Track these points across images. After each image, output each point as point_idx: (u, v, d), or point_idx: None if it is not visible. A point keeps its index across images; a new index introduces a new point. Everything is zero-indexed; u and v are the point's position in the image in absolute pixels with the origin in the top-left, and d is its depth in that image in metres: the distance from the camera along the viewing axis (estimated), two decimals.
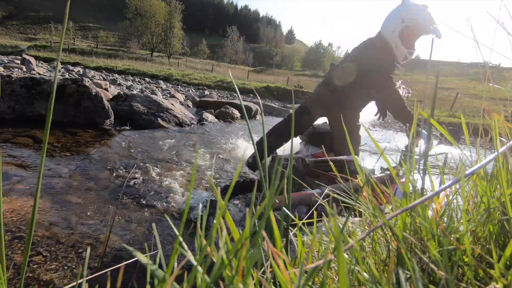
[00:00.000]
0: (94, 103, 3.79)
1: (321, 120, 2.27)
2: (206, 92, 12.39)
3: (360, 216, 0.53)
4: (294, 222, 0.45)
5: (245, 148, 3.58)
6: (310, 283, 0.28)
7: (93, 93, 3.79)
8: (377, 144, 0.49)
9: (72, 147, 2.87)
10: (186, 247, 0.26)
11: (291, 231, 0.45)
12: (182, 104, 7.36)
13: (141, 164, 2.65)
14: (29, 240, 0.30)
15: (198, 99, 8.41)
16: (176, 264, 0.26)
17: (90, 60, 20.97)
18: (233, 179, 0.27)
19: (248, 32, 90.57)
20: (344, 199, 0.51)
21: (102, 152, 2.84)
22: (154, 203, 1.91)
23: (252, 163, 2.16)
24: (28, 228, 0.28)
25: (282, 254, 0.28)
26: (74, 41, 39.69)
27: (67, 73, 11.26)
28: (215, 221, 0.26)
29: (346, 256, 0.38)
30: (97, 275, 0.65)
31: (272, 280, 0.33)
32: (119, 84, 10.45)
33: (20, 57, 13.23)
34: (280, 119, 2.19)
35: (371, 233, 0.46)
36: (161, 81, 14.79)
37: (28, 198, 1.73)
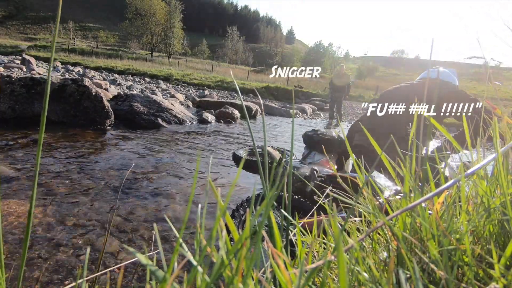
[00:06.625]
0: (94, 103, 3.79)
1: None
2: (206, 92, 12.38)
3: (360, 216, 0.53)
4: (294, 222, 0.45)
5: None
6: (310, 283, 0.28)
7: (93, 93, 3.79)
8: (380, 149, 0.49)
9: (71, 147, 2.87)
10: (186, 248, 0.26)
11: (291, 231, 0.45)
12: (182, 104, 7.36)
13: (141, 164, 2.65)
14: (26, 240, 0.30)
15: (198, 99, 8.41)
16: (176, 264, 0.25)
17: (90, 60, 20.95)
18: (234, 179, 0.27)
19: (248, 32, 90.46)
20: (344, 199, 0.51)
21: (102, 152, 2.84)
22: (154, 203, 1.91)
23: None
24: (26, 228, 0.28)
25: (282, 254, 0.28)
26: (74, 41, 39.65)
27: (67, 73, 11.25)
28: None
29: (346, 256, 0.38)
30: (97, 275, 0.65)
31: (272, 280, 0.32)
32: (119, 84, 10.45)
33: (20, 57, 13.24)
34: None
35: (371, 233, 0.46)
36: (161, 81, 14.78)
37: (26, 199, 1.72)
